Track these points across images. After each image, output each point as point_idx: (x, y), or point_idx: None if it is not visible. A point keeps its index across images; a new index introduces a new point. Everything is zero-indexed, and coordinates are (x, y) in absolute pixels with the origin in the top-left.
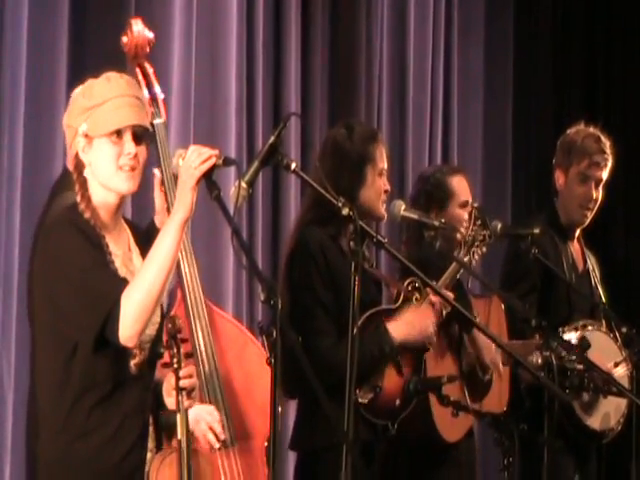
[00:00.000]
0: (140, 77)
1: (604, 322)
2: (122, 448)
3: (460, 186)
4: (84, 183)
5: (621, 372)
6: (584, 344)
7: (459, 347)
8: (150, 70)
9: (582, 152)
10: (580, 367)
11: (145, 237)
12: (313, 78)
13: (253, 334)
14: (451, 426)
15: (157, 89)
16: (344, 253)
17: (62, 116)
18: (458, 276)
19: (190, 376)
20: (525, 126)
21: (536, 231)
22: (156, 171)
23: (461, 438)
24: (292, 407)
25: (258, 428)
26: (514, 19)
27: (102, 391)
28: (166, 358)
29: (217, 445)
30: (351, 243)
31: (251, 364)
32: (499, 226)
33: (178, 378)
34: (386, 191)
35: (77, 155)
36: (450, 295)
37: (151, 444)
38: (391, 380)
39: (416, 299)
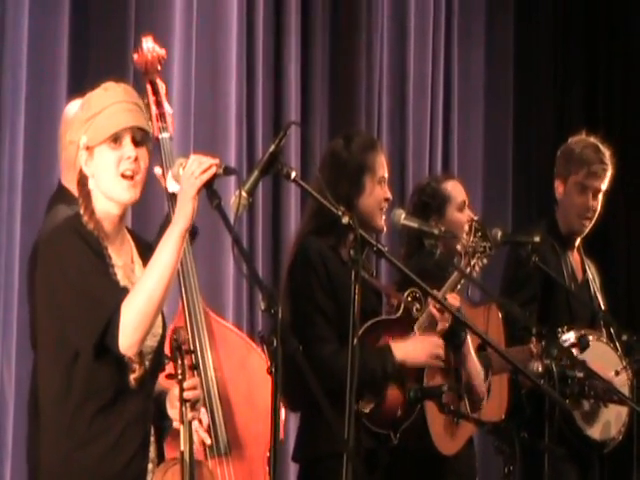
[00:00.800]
0: (150, 93)
1: (604, 331)
2: (124, 457)
3: (455, 189)
4: (88, 195)
5: (622, 381)
6: (583, 342)
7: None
8: (162, 87)
9: (580, 162)
10: (581, 375)
11: (149, 249)
12: (313, 86)
13: (254, 343)
14: (448, 439)
15: (167, 106)
16: (344, 263)
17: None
18: (459, 286)
19: (194, 388)
20: (526, 131)
21: (537, 239)
22: (157, 169)
23: (460, 450)
24: (294, 417)
25: (260, 436)
26: (514, 24)
27: (104, 399)
28: (170, 369)
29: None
30: (351, 252)
31: (254, 372)
32: (499, 234)
33: (182, 389)
34: (387, 199)
35: (81, 170)
36: (454, 304)
37: (152, 454)
38: (393, 390)
39: (417, 309)
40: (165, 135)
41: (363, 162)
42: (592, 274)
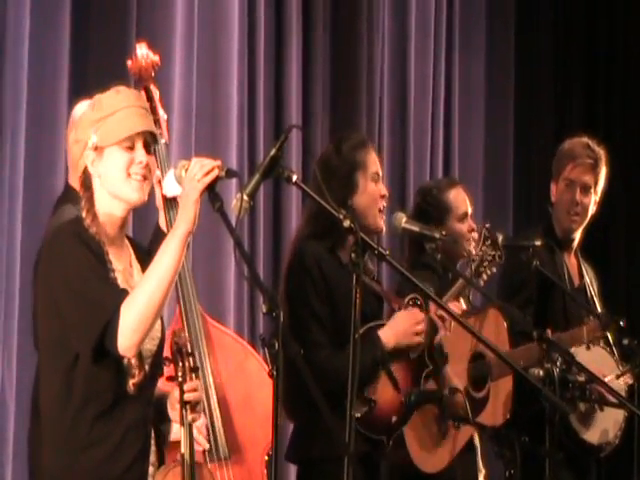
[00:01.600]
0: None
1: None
2: (124, 461)
3: (457, 199)
4: (90, 198)
5: (621, 385)
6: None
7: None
8: (156, 93)
9: (567, 157)
10: (581, 379)
11: (146, 254)
12: (314, 89)
13: (254, 346)
14: (429, 458)
15: (161, 112)
16: (343, 265)
17: (64, 127)
18: (467, 293)
19: (194, 390)
20: (526, 135)
21: (537, 243)
22: (158, 171)
23: (443, 469)
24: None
25: (259, 440)
26: (515, 28)
27: (103, 404)
28: (171, 372)
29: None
30: (352, 255)
31: (252, 376)
32: (500, 237)
33: (182, 392)
34: (383, 196)
35: (85, 169)
36: (457, 309)
37: (153, 458)
38: (387, 395)
39: None
40: (160, 142)
41: (354, 160)
42: (590, 278)
